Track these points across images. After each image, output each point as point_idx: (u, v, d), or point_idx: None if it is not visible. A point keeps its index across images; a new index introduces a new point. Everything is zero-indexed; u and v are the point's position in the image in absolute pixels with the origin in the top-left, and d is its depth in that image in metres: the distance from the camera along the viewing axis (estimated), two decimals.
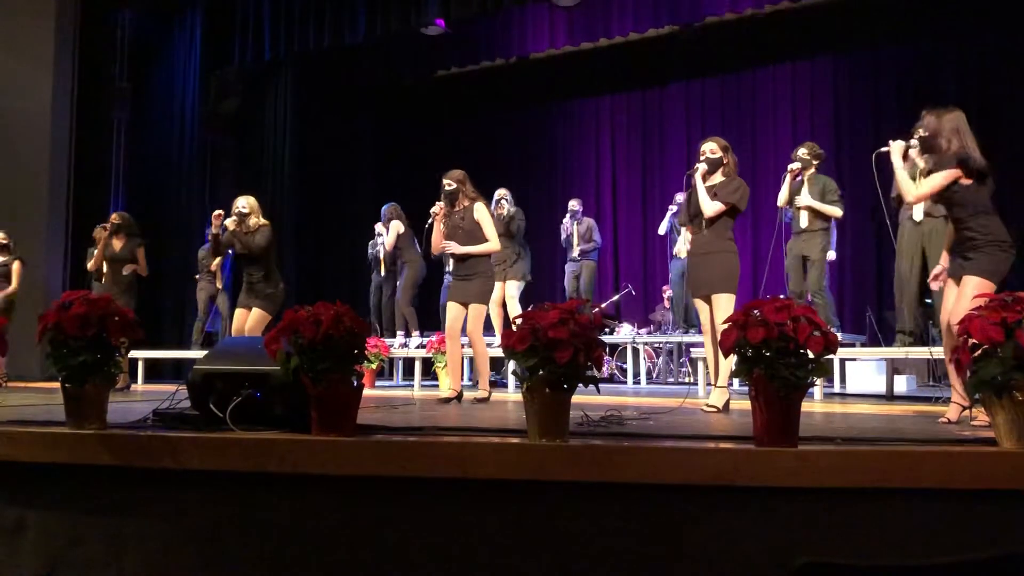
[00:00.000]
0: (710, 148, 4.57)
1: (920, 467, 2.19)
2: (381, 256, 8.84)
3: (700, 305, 4.56)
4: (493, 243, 5.30)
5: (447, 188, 5.34)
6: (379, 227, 8.84)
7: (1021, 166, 7.50)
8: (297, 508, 2.52)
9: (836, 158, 9.54)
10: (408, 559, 2.42)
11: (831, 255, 6.79)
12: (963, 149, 3.55)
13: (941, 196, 3.62)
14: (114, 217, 7.07)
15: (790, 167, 6.53)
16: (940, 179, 3.55)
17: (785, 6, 9.40)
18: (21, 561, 2.70)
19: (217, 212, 5.88)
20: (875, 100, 9.79)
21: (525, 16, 10.32)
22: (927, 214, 5.76)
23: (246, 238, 5.80)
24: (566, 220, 8.95)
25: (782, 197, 6.56)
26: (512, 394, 6.66)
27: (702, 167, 4.52)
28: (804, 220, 6.48)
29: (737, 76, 10.73)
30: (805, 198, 6.44)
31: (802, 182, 6.51)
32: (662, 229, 8.99)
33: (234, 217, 5.82)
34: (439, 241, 5.37)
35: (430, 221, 5.41)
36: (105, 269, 6.88)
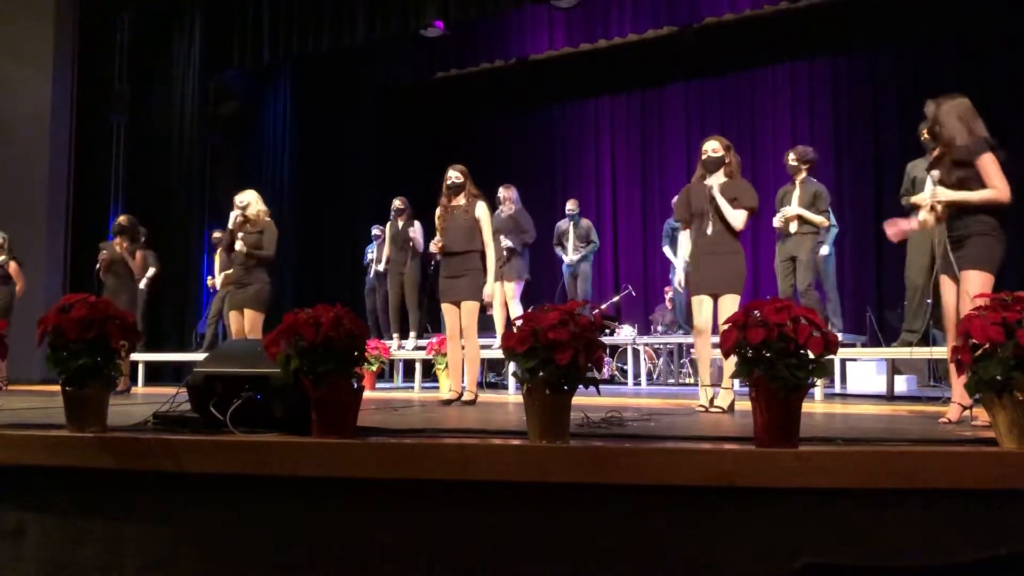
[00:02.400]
0: (712, 147, 4.51)
1: (920, 467, 2.19)
2: (385, 255, 8.65)
3: (700, 302, 4.50)
4: (488, 243, 5.33)
5: (455, 181, 5.36)
6: (376, 230, 8.64)
7: (1021, 165, 7.49)
8: (297, 511, 2.52)
9: (836, 158, 9.55)
10: (408, 561, 2.42)
11: (824, 250, 6.72)
12: (975, 134, 3.51)
13: (954, 182, 3.53)
14: (120, 219, 7.07)
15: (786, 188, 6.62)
16: (994, 166, 3.44)
17: (784, 7, 9.40)
18: (22, 565, 2.70)
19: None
20: (874, 100, 9.80)
21: (524, 17, 10.33)
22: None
23: (250, 237, 5.71)
24: (563, 221, 8.95)
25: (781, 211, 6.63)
26: (512, 395, 6.66)
27: (715, 184, 4.45)
28: (794, 224, 6.50)
29: (736, 77, 10.74)
30: (794, 207, 6.45)
31: (793, 187, 6.53)
32: (665, 248, 8.82)
33: (236, 215, 5.79)
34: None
35: (431, 247, 5.50)
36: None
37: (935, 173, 3.61)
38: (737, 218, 4.40)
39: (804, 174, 6.53)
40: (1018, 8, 8.10)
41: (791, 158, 6.57)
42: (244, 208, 5.75)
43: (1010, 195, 3.42)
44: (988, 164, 3.45)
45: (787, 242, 6.56)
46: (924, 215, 3.65)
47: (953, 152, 3.53)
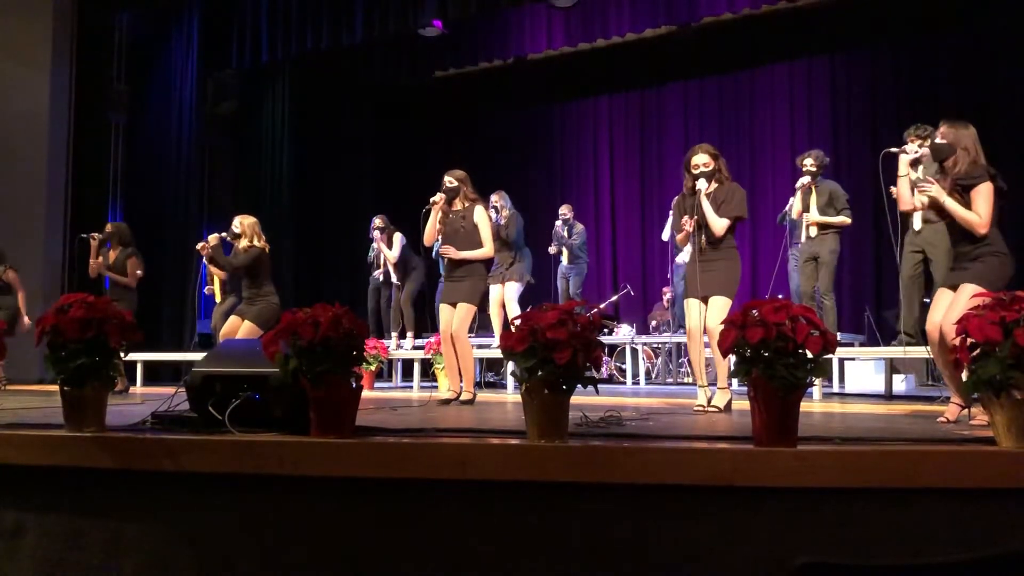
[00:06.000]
0: (703, 161, 4.49)
1: (919, 467, 2.19)
2: (386, 260, 8.67)
3: (690, 305, 4.51)
4: (488, 248, 5.32)
5: (449, 185, 5.35)
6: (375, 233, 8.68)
7: (1019, 166, 7.50)
8: (296, 510, 2.52)
9: (834, 158, 9.52)
10: (407, 560, 2.42)
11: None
12: (980, 162, 3.55)
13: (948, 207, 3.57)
14: (108, 227, 7.06)
15: (802, 181, 6.57)
16: (987, 197, 3.47)
17: (782, 6, 9.40)
18: (20, 564, 2.69)
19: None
20: (873, 100, 9.81)
21: (522, 17, 10.33)
22: (926, 221, 5.81)
23: (226, 258, 6.05)
24: (558, 225, 8.98)
25: (796, 209, 6.61)
26: (511, 395, 6.66)
27: (703, 184, 4.46)
28: (813, 229, 6.53)
29: (735, 76, 10.74)
30: (814, 214, 6.48)
31: (811, 192, 6.55)
32: (665, 235, 8.93)
33: (221, 236, 6.09)
34: (434, 233, 5.38)
35: (427, 208, 5.41)
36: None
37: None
38: (718, 224, 4.42)
39: (819, 178, 6.58)
40: (1018, 7, 8.10)
41: (810, 163, 6.57)
42: (237, 235, 6.02)
43: (987, 230, 3.49)
44: (983, 193, 3.50)
45: (810, 244, 6.60)
46: (919, 199, 3.76)
47: (963, 177, 3.56)
